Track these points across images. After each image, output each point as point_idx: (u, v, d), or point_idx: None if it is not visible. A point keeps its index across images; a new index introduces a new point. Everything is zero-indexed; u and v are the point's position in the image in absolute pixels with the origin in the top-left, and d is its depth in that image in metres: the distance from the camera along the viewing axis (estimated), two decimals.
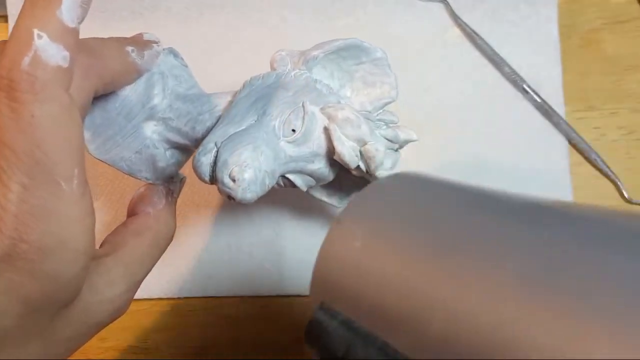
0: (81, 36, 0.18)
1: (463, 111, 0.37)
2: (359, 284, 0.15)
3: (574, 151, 0.36)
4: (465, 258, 0.13)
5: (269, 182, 0.22)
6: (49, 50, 0.16)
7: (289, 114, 0.23)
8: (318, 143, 0.24)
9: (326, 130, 0.24)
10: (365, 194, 0.18)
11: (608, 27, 0.38)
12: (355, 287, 0.15)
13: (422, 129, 0.37)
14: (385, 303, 0.14)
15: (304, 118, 0.23)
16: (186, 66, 0.27)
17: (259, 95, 0.25)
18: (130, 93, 0.24)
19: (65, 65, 0.16)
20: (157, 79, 0.25)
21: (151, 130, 0.25)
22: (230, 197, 0.22)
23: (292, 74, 0.25)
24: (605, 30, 0.38)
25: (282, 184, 0.25)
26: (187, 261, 0.36)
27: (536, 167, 0.36)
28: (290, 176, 0.24)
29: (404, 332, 0.13)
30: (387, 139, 0.25)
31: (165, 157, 0.26)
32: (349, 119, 0.23)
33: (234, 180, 0.21)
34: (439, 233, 0.15)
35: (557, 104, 0.36)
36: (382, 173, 0.24)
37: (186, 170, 0.27)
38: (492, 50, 0.37)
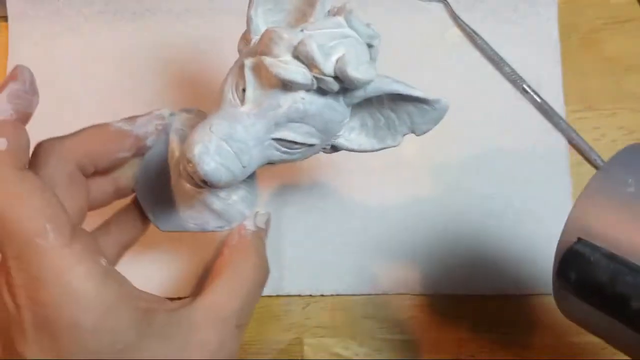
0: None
1: (463, 111, 0.37)
2: (631, 224, 0.18)
3: (574, 151, 0.36)
4: None
5: (233, 148, 0.21)
6: None
7: (236, 80, 0.22)
8: (269, 85, 0.22)
9: (262, 66, 0.21)
10: (632, 147, 0.20)
11: (608, 27, 0.38)
12: (626, 226, 0.18)
13: None
14: None
15: (244, 72, 0.22)
16: (202, 112, 0.27)
17: None
18: (155, 159, 0.25)
19: (3, 148, 0.19)
20: (173, 136, 0.25)
21: None
22: (205, 183, 0.21)
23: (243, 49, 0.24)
24: (605, 30, 0.38)
25: (282, 148, 0.23)
26: (187, 261, 0.36)
27: (536, 167, 0.36)
28: (278, 134, 0.22)
29: None
30: (322, 30, 0.22)
31: (219, 198, 0.26)
32: (268, 37, 0.21)
33: (192, 164, 0.21)
34: None
35: (557, 104, 0.36)
36: (342, 68, 0.21)
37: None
38: (492, 50, 0.37)
